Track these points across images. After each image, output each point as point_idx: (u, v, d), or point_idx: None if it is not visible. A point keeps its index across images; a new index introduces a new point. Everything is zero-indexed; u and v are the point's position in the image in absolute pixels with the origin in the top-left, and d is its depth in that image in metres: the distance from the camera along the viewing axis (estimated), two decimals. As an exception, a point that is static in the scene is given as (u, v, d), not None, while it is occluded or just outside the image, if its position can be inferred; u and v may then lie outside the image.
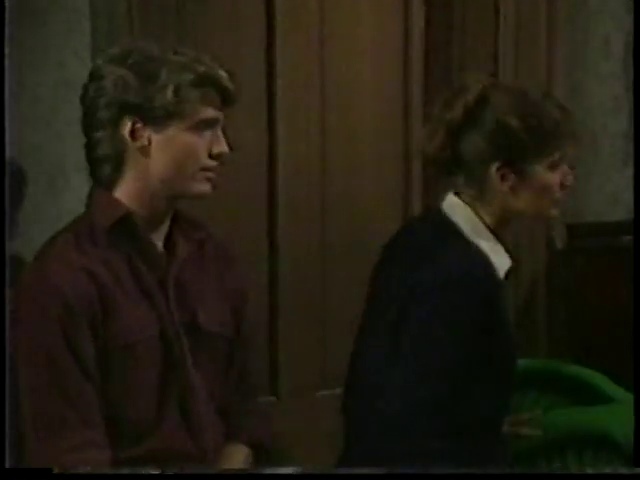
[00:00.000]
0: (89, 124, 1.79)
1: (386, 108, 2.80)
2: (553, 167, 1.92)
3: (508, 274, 1.97)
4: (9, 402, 1.75)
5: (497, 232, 1.95)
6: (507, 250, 1.97)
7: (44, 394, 1.71)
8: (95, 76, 1.78)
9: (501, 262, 1.93)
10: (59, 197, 2.17)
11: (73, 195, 2.18)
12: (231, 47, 2.48)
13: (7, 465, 1.74)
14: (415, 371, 1.85)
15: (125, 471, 1.72)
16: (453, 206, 1.95)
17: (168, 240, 1.84)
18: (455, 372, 1.85)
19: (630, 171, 3.04)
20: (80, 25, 2.16)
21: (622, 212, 3.03)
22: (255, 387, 2.00)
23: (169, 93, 1.75)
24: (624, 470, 1.90)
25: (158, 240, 1.82)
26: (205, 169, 1.80)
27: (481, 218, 1.94)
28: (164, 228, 1.83)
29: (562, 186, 1.94)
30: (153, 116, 1.76)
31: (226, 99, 1.81)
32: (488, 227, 1.94)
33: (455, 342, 1.84)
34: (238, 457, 1.89)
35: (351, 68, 2.72)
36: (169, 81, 1.75)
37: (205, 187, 1.81)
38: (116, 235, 1.77)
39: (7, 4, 1.90)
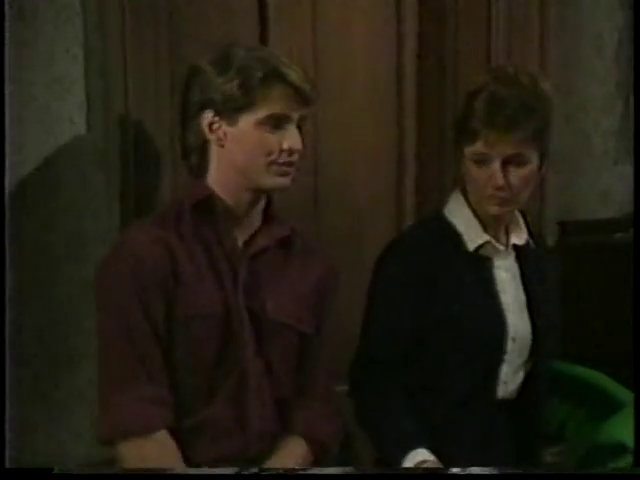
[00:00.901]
0: (182, 117, 1.94)
1: (379, 104, 2.79)
2: (478, 162, 1.98)
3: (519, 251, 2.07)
4: (9, 402, 1.77)
5: (483, 216, 2.04)
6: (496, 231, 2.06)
7: (116, 349, 1.84)
8: (189, 74, 1.93)
9: (472, 239, 2.04)
10: (52, 195, 2.16)
11: (66, 193, 2.17)
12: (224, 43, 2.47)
13: (7, 465, 1.81)
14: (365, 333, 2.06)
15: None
16: (453, 192, 2.11)
17: (254, 235, 1.94)
18: (398, 334, 2.01)
19: (622, 169, 3.05)
20: (71, 21, 2.15)
21: (614, 210, 3.04)
22: (326, 387, 2.02)
23: (235, 86, 1.85)
24: (624, 470, 1.91)
25: (242, 230, 1.94)
26: (276, 163, 1.88)
27: (469, 202, 2.05)
28: (250, 221, 1.95)
29: (494, 185, 1.95)
30: (225, 109, 1.87)
31: (301, 98, 1.88)
32: (474, 211, 2.05)
33: (394, 307, 2.02)
34: (294, 451, 1.94)
35: (344, 64, 2.72)
36: (237, 76, 1.86)
37: (280, 181, 1.91)
38: (198, 216, 1.91)
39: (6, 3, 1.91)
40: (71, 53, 2.15)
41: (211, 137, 1.90)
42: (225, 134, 1.89)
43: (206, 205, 1.92)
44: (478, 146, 1.95)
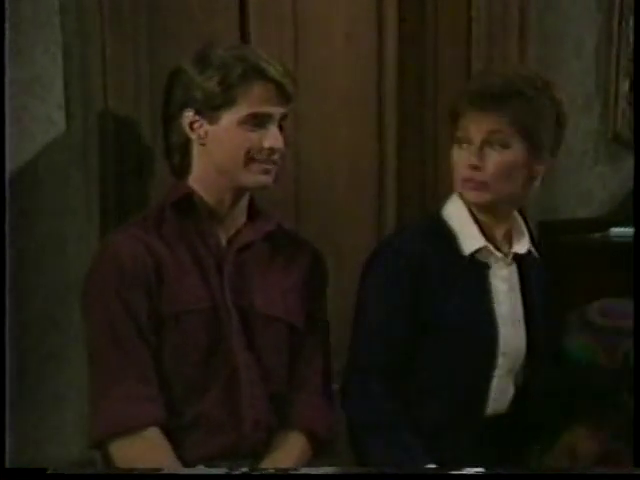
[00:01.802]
0: (164, 117, 1.95)
1: (360, 105, 2.80)
2: (460, 143, 1.96)
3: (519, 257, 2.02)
4: (9, 402, 1.79)
5: (482, 220, 2.00)
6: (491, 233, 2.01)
7: (101, 348, 1.85)
8: (172, 73, 1.94)
9: (468, 243, 1.98)
10: (31, 195, 2.15)
11: (45, 193, 2.16)
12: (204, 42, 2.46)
13: (7, 465, 1.83)
14: (358, 338, 2.00)
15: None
16: (453, 194, 2.05)
17: (238, 231, 1.96)
18: (390, 338, 1.95)
19: (601, 169, 3.06)
20: (50, 20, 2.14)
21: (594, 209, 3.05)
22: (321, 380, 2.02)
23: (214, 84, 1.86)
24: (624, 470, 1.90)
25: (226, 227, 1.95)
26: (257, 161, 1.89)
27: (466, 202, 2.01)
28: (234, 218, 1.96)
29: (469, 163, 1.93)
30: (206, 108, 1.88)
31: (282, 94, 1.90)
32: (472, 214, 2.00)
33: (385, 309, 1.96)
34: (294, 449, 1.94)
35: (325, 65, 2.72)
36: (216, 73, 1.87)
37: (261, 179, 1.92)
38: (180, 215, 1.92)
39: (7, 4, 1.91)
40: (50, 52, 2.14)
41: (192, 136, 1.91)
42: (206, 133, 1.90)
43: (187, 204, 1.93)
44: (460, 125, 1.94)
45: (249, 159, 1.89)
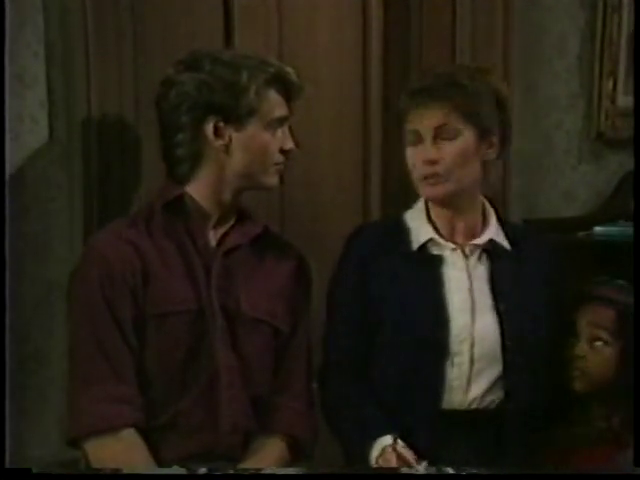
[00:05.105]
0: (168, 128, 1.93)
1: (345, 104, 2.80)
2: (413, 143, 2.00)
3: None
4: (9, 402, 1.80)
5: (439, 209, 2.04)
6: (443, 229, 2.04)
7: (83, 348, 1.85)
8: (173, 83, 1.91)
9: (417, 237, 2.03)
10: (14, 194, 2.14)
11: (28, 192, 2.15)
12: (188, 44, 2.45)
13: (7, 465, 1.81)
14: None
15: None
16: (418, 201, 2.10)
17: (226, 234, 1.97)
18: (344, 326, 2.03)
19: (584, 168, 3.07)
20: (33, 19, 2.13)
21: (577, 208, 3.06)
22: (304, 386, 2.04)
23: (252, 93, 1.90)
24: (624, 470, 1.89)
25: (215, 229, 1.96)
26: (276, 163, 1.96)
27: (427, 206, 2.06)
28: (223, 220, 1.98)
29: (425, 159, 1.98)
30: (236, 115, 1.90)
31: (292, 94, 1.97)
32: (428, 212, 2.05)
33: (339, 300, 2.04)
34: (271, 451, 1.95)
35: (310, 65, 2.71)
36: (250, 82, 1.90)
37: (275, 180, 1.99)
38: (170, 216, 1.93)
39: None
40: (32, 49, 2.13)
41: (216, 143, 1.92)
42: (231, 139, 1.92)
43: (177, 205, 1.94)
44: (409, 124, 1.99)
45: (271, 162, 1.95)
